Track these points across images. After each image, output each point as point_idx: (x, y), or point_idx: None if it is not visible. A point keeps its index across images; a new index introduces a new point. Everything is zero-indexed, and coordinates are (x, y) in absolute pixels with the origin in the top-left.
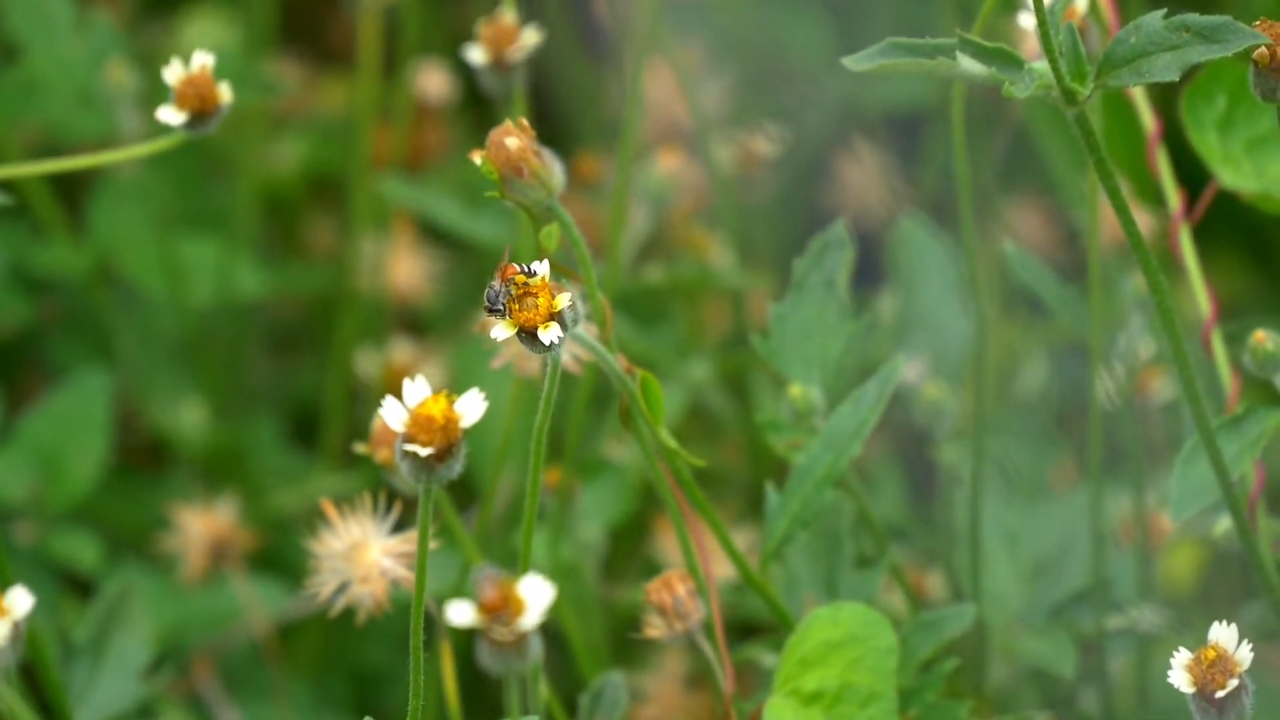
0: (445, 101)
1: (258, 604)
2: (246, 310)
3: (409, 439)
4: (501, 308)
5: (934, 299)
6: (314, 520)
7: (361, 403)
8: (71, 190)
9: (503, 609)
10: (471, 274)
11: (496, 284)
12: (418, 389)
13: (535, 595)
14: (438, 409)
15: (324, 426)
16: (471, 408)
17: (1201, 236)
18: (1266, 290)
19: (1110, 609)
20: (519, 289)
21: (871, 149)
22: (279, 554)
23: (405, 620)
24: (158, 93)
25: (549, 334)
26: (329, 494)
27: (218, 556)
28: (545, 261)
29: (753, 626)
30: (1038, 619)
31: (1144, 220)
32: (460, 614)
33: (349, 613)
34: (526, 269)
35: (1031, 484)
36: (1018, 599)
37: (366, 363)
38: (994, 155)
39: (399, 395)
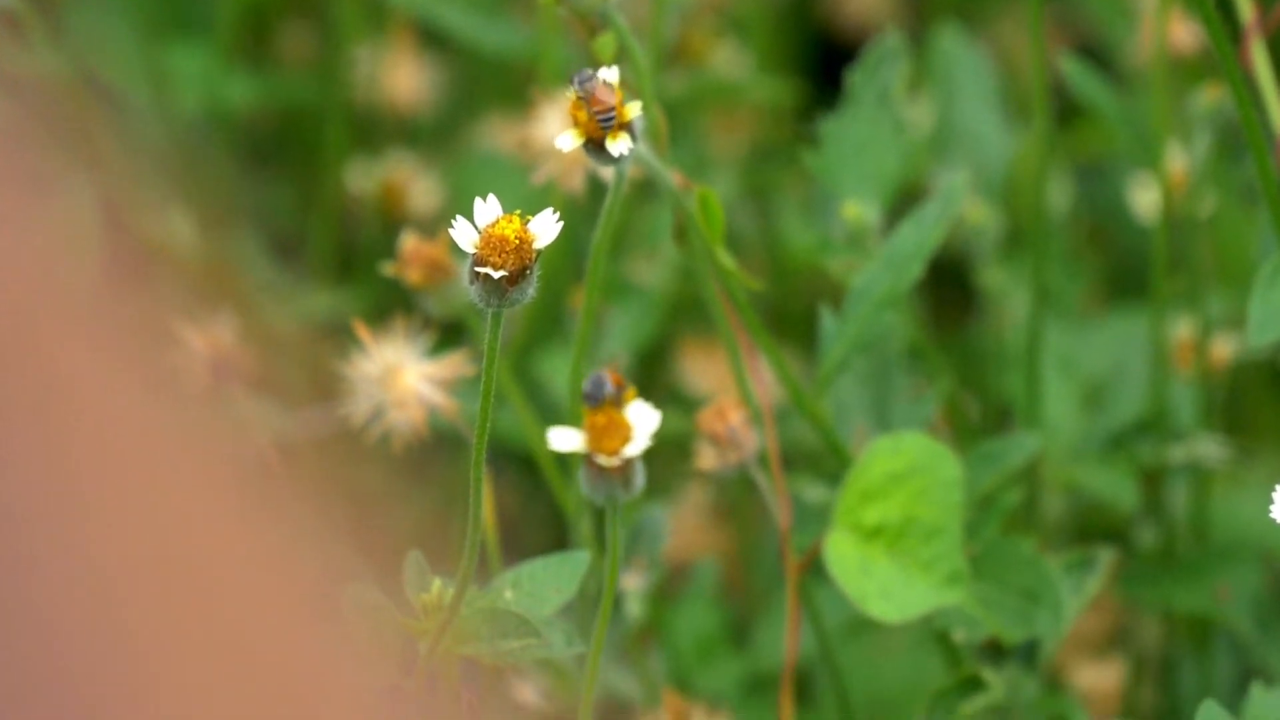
0: None
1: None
2: (219, 123)
3: (480, 261)
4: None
5: (973, 112)
6: (306, 340)
7: (351, 219)
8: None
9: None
10: (467, 80)
11: (587, 71)
12: (489, 209)
13: (641, 420)
14: (511, 229)
15: (312, 243)
16: (545, 228)
17: None
18: None
19: (1170, 439)
20: (586, 96)
21: None
22: (269, 374)
23: (404, 444)
24: None
25: (618, 145)
26: (321, 313)
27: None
28: (615, 68)
29: (788, 459)
30: (1094, 449)
31: (1196, 34)
32: (564, 440)
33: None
34: (587, 75)
35: (1066, 306)
36: (1072, 429)
37: (358, 178)
38: None
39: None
